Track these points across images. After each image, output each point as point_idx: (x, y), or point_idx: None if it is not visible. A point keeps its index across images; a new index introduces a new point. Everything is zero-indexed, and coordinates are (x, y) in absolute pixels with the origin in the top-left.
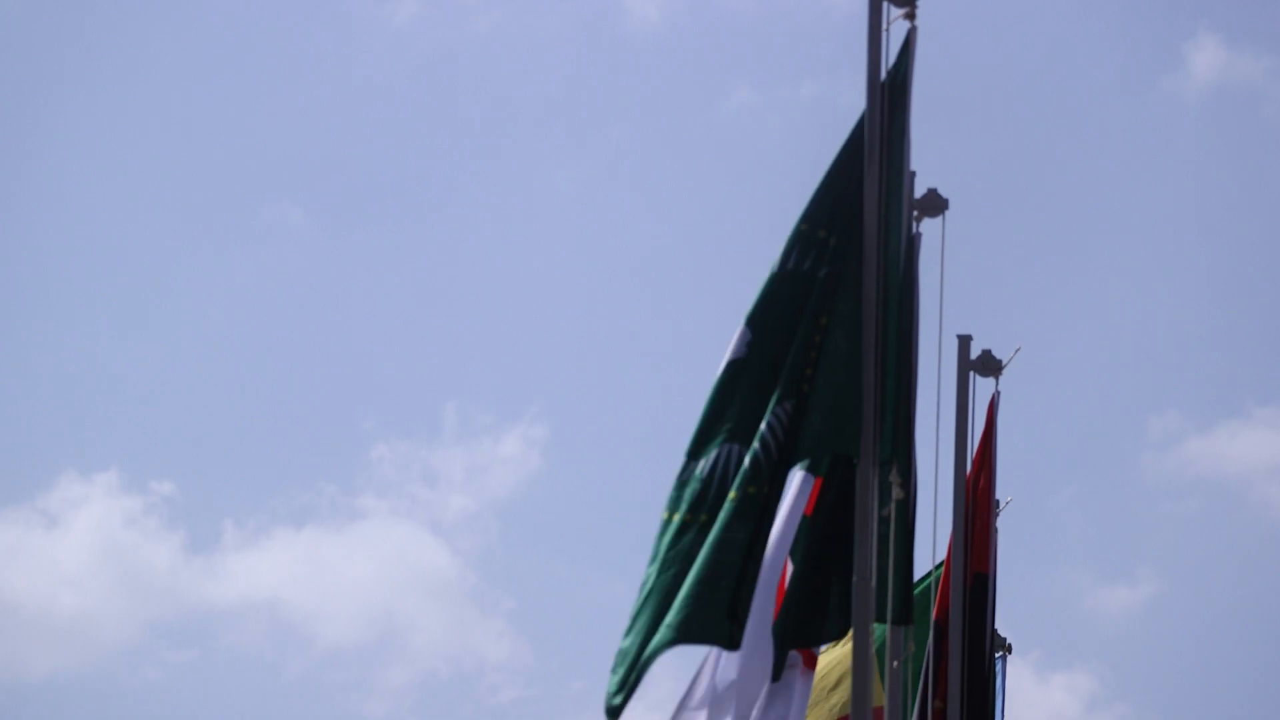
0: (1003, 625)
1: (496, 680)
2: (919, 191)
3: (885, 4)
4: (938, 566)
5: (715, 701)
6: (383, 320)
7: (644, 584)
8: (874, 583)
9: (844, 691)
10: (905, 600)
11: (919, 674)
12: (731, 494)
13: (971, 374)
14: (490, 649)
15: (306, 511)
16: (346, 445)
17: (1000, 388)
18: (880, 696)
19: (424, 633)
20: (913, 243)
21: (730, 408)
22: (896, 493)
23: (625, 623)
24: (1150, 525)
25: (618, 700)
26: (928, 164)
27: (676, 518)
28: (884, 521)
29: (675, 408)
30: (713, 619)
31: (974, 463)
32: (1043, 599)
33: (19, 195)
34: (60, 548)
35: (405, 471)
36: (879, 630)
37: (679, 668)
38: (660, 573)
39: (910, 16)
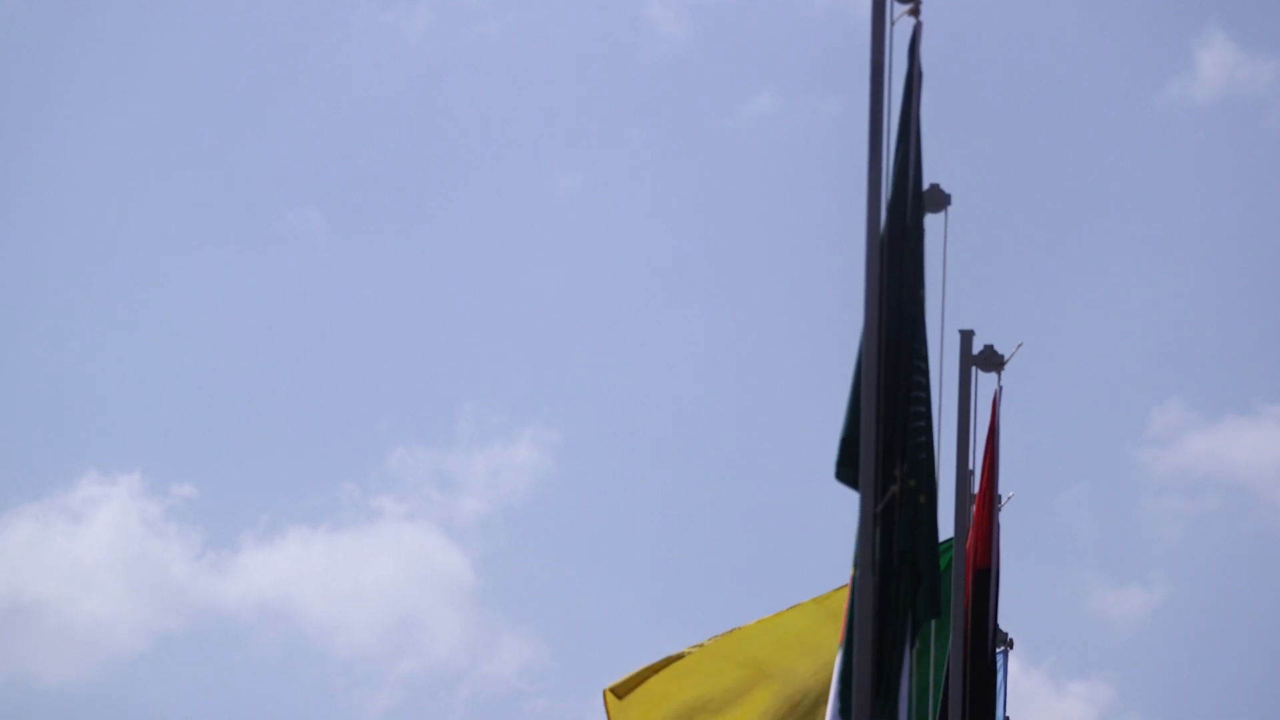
0: (1007, 622)
1: (503, 681)
2: (922, 186)
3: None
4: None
5: None
6: (400, 324)
7: None
8: (875, 579)
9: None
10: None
11: (941, 669)
12: None
13: (974, 369)
14: (500, 651)
15: (322, 514)
16: (362, 448)
17: (1003, 383)
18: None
19: (436, 634)
20: (919, 236)
21: None
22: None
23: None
24: (1156, 524)
25: None
26: (930, 159)
27: None
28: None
29: (686, 412)
30: None
31: (984, 460)
32: (1046, 596)
33: (43, 200)
34: (79, 548)
35: (421, 474)
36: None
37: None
38: None
39: (915, 13)
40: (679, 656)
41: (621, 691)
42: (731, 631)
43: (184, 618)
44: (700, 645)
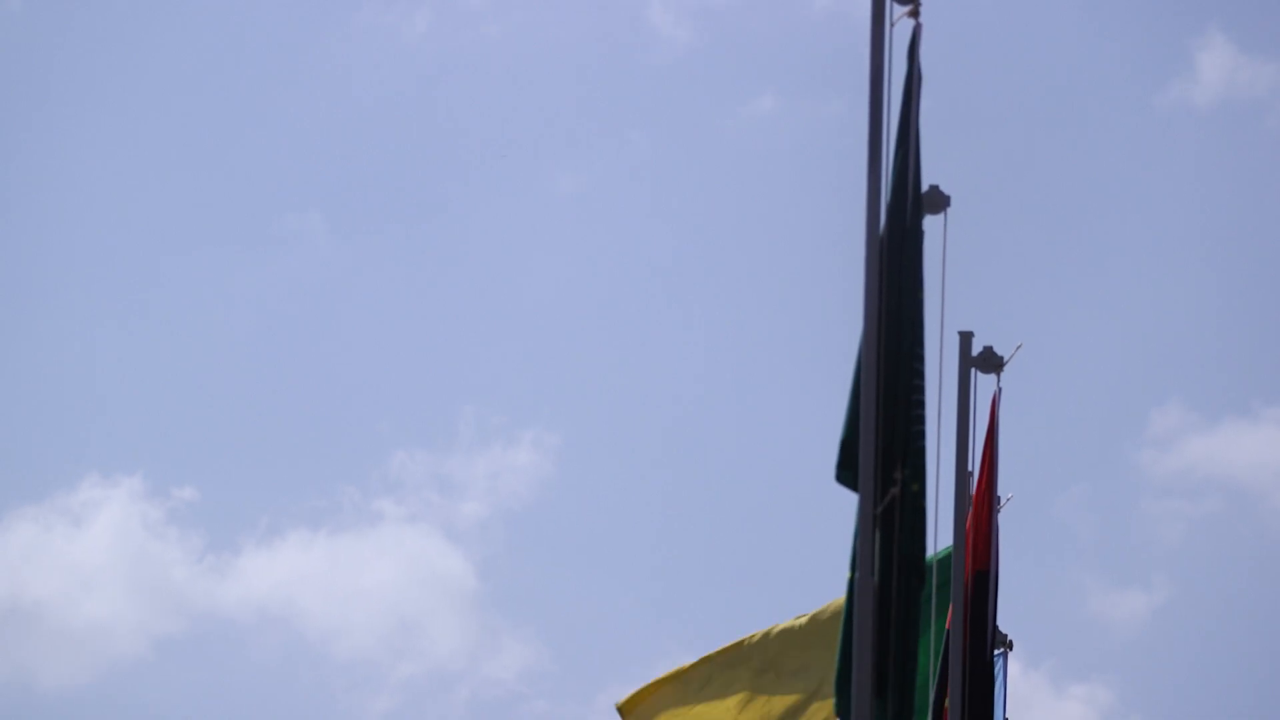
0: (1007, 624)
1: (503, 684)
2: (921, 188)
3: (889, 1)
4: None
5: None
6: (400, 325)
7: None
8: (875, 580)
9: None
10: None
11: (933, 670)
12: None
13: (973, 371)
14: (500, 653)
15: (322, 517)
16: (363, 451)
17: (1002, 384)
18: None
19: (436, 637)
20: (918, 237)
21: None
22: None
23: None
24: (1156, 526)
25: None
26: (930, 161)
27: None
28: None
29: (687, 414)
30: None
31: (983, 461)
32: (1046, 598)
33: (43, 200)
34: (79, 550)
35: (421, 477)
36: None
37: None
38: None
39: (914, 14)
40: (687, 669)
41: (629, 708)
42: (739, 641)
43: (184, 620)
44: (707, 657)
